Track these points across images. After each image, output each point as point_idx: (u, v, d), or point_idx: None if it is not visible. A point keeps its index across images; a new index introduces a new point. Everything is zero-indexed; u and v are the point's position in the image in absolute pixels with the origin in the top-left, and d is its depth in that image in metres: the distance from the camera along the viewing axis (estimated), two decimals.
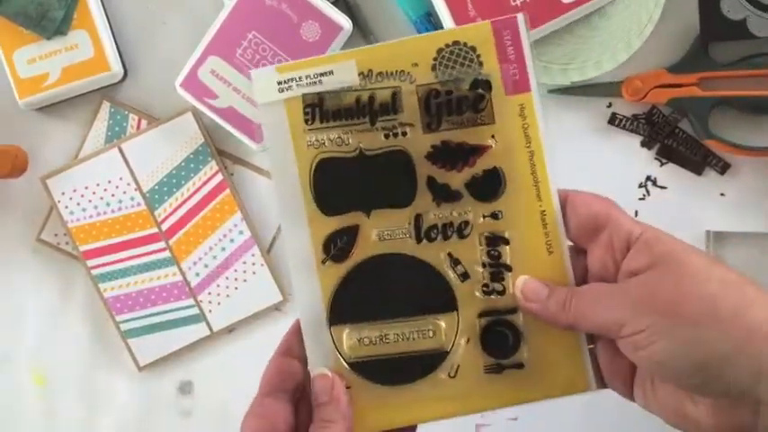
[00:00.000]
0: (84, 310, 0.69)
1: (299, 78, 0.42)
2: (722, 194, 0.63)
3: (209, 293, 0.66)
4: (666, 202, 0.63)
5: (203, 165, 0.66)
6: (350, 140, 0.42)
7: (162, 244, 0.66)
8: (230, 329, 0.67)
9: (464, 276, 0.42)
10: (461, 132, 0.42)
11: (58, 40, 0.64)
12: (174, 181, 0.66)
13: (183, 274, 0.66)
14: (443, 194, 0.42)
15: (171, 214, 0.66)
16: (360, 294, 0.43)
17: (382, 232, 0.42)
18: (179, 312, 0.67)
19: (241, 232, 0.66)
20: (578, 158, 0.64)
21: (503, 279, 0.42)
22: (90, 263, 0.67)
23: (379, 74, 0.42)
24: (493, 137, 0.42)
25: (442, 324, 0.42)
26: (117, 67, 0.64)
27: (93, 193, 0.66)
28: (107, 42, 0.64)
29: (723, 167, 0.63)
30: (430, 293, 0.43)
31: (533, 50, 0.41)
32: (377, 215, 0.42)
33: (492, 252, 0.42)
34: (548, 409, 0.65)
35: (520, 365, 0.42)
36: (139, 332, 0.67)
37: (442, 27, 0.61)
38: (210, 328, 0.67)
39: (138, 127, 0.66)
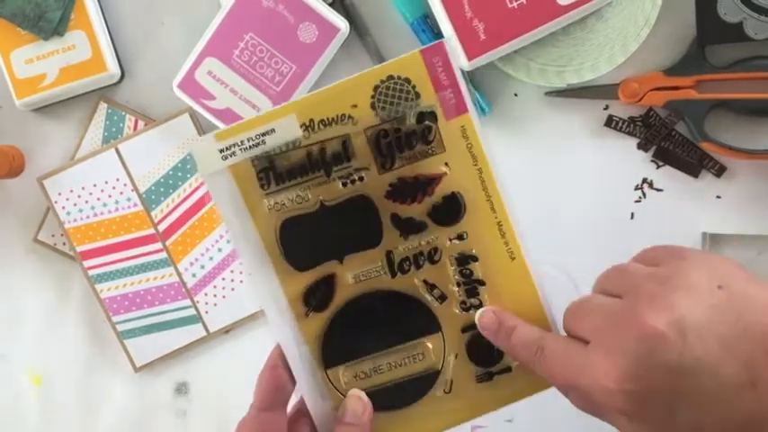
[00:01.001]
0: (81, 311, 0.69)
1: (241, 142, 0.42)
2: (718, 197, 0.63)
3: (206, 294, 0.66)
4: (663, 204, 0.63)
5: None
6: (309, 196, 0.43)
7: (159, 245, 0.66)
8: (227, 330, 0.67)
9: (441, 298, 0.44)
10: (415, 166, 0.43)
11: (55, 41, 0.64)
12: (171, 182, 0.66)
13: (179, 275, 0.66)
14: (409, 228, 0.43)
15: (168, 215, 0.66)
16: (348, 335, 0.44)
17: (358, 274, 0.44)
18: (176, 313, 0.67)
19: None
20: (575, 161, 0.64)
21: (478, 294, 0.44)
22: (87, 263, 0.67)
23: (321, 122, 0.42)
24: (446, 164, 0.43)
25: (430, 345, 0.44)
26: (114, 68, 0.64)
27: (90, 193, 0.66)
28: (104, 43, 0.64)
29: (719, 170, 0.63)
30: (413, 320, 0.44)
31: (464, 73, 0.42)
32: (350, 260, 0.44)
33: (464, 271, 0.44)
34: (543, 410, 0.65)
35: (508, 369, 0.45)
36: (136, 333, 0.67)
37: (438, 29, 0.61)
38: (207, 329, 0.67)
39: (135, 128, 0.66)
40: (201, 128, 0.65)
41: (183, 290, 0.66)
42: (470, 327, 0.44)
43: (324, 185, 0.43)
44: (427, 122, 0.42)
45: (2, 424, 0.70)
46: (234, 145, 0.41)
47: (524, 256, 0.44)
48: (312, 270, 0.43)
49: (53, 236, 0.68)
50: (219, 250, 0.66)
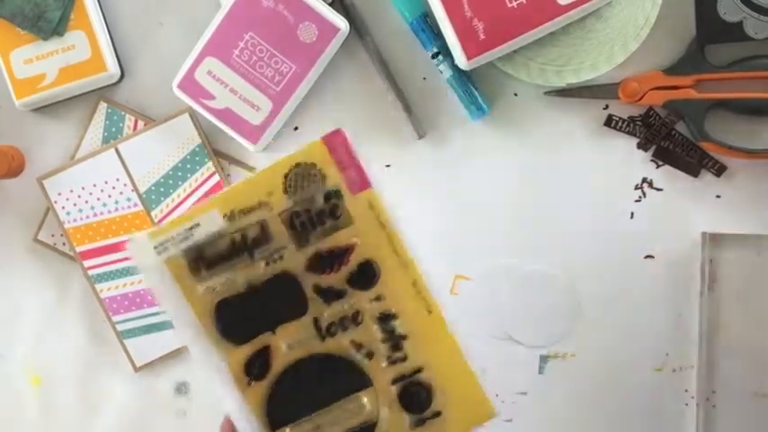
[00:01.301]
0: (81, 311, 0.69)
1: (172, 238, 0.46)
2: (718, 196, 0.63)
3: None
4: (662, 203, 0.64)
5: (200, 165, 0.66)
6: (237, 279, 0.47)
7: None
8: None
9: (369, 355, 0.48)
10: (329, 240, 0.47)
11: (54, 41, 0.64)
12: (171, 182, 0.66)
13: None
14: (331, 295, 0.47)
15: (167, 215, 0.66)
16: (289, 398, 0.48)
17: (291, 343, 0.47)
18: None
19: None
20: (574, 160, 0.64)
21: (402, 348, 0.48)
22: (87, 263, 0.67)
23: (241, 211, 0.46)
24: (355, 235, 0.47)
25: (365, 399, 0.48)
26: (114, 68, 0.64)
27: (90, 193, 0.66)
28: (104, 43, 0.64)
29: (719, 169, 0.63)
30: (346, 378, 0.48)
31: (359, 153, 0.47)
32: (281, 330, 0.47)
33: (386, 328, 0.48)
34: (541, 411, 0.65)
35: (438, 414, 0.48)
36: (136, 333, 0.67)
37: (438, 28, 0.61)
38: None
39: (135, 128, 0.66)
40: (201, 127, 0.65)
41: None
42: (399, 378, 0.48)
43: (249, 267, 0.46)
44: (333, 201, 0.46)
45: (1, 424, 0.70)
46: (166, 241, 0.46)
47: (438, 309, 0.47)
48: (249, 343, 0.47)
49: (53, 236, 0.68)
50: None
